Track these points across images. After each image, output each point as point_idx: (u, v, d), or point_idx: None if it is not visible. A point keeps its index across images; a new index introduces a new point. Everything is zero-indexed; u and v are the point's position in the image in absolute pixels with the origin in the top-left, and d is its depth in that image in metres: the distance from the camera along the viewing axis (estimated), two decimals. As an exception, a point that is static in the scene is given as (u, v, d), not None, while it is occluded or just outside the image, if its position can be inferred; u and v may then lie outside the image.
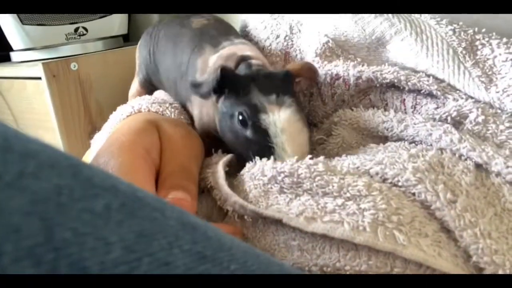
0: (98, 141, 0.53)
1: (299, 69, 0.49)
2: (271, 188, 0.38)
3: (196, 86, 0.48)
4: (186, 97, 0.55)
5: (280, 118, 0.43)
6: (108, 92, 1.05)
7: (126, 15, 1.17)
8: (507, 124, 0.42)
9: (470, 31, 0.45)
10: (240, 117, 0.44)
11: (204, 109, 0.52)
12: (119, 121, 0.51)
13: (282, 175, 0.38)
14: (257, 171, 0.40)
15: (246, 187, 0.39)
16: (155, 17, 1.39)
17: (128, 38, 1.36)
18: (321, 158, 0.39)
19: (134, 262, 0.19)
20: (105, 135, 0.52)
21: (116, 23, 1.14)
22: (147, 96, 0.61)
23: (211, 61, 0.51)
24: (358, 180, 0.36)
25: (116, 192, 0.21)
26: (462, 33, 0.46)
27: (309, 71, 0.50)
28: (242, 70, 0.49)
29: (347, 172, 0.37)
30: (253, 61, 0.50)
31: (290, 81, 0.47)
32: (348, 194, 0.35)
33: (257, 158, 0.42)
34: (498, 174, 0.38)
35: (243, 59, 0.50)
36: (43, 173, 0.19)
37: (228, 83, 0.45)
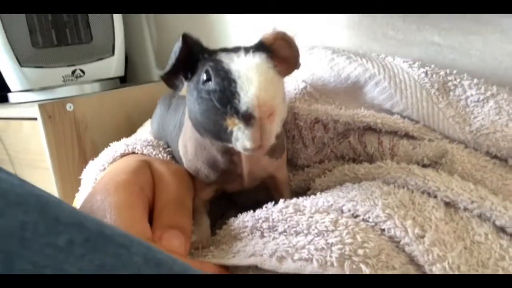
0: (89, 176, 0.54)
1: (272, 40, 0.43)
2: (254, 236, 0.39)
3: (163, 73, 0.42)
4: (177, 148, 0.52)
5: (247, 61, 0.38)
6: (104, 132, 1.07)
7: (123, 57, 1.20)
8: (482, 163, 0.43)
9: (442, 72, 0.47)
10: (205, 76, 0.38)
11: (186, 138, 0.48)
12: (113, 158, 0.52)
13: (260, 221, 0.39)
14: (237, 225, 0.41)
15: (232, 245, 0.40)
16: (152, 59, 1.42)
17: (125, 80, 1.39)
18: (293, 200, 0.40)
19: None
20: (96, 171, 0.53)
21: (113, 65, 1.17)
22: (143, 137, 0.62)
23: None
24: (325, 217, 0.37)
25: (81, 229, 0.22)
26: (434, 75, 0.47)
27: (284, 42, 0.43)
28: None
29: (316, 211, 0.38)
30: None
31: (265, 51, 0.41)
32: (316, 230, 0.36)
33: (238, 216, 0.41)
34: (465, 209, 0.39)
35: None
36: (10, 211, 0.21)
37: (194, 61, 0.41)
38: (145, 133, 0.71)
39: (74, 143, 1.03)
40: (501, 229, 0.38)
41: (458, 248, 0.35)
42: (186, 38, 0.40)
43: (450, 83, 0.47)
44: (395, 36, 0.55)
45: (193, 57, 0.41)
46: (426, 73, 0.48)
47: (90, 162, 0.56)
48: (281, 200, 0.41)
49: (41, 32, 1.09)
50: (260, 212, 0.40)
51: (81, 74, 1.13)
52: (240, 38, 1.16)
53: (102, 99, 1.08)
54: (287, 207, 0.39)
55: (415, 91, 0.47)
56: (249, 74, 0.36)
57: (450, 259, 0.33)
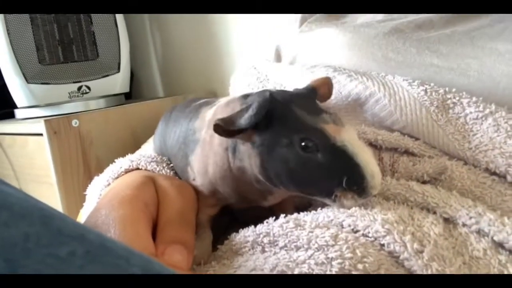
0: (94, 191, 0.55)
1: (319, 85, 0.47)
2: (255, 251, 0.39)
3: (227, 123, 0.40)
4: (185, 164, 0.50)
5: (350, 136, 0.40)
6: (108, 148, 1.08)
7: (129, 74, 1.22)
8: (481, 180, 0.44)
9: (441, 90, 0.48)
10: (303, 143, 0.39)
11: (209, 161, 0.46)
12: (117, 174, 0.52)
13: (261, 236, 0.39)
14: (239, 240, 0.41)
15: (233, 260, 0.40)
16: (157, 76, 1.44)
17: (131, 96, 1.41)
18: (294, 215, 0.41)
19: None
20: (101, 186, 0.53)
21: (118, 81, 1.19)
22: (147, 153, 0.63)
23: (207, 117, 0.47)
24: (325, 232, 0.37)
25: (82, 241, 0.23)
26: (433, 93, 0.48)
27: (327, 86, 0.48)
28: (254, 99, 0.43)
29: (316, 225, 0.38)
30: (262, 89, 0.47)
31: (315, 97, 0.46)
32: (316, 245, 0.36)
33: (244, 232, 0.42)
34: (464, 225, 0.39)
35: (246, 96, 0.46)
36: (14, 222, 0.22)
37: (268, 116, 0.41)
38: (149, 149, 0.72)
39: (79, 158, 1.04)
40: (500, 245, 0.38)
41: (457, 263, 0.35)
42: (268, 104, 0.41)
43: (449, 101, 0.47)
44: (395, 58, 0.56)
45: (269, 113, 0.41)
46: (425, 91, 0.48)
47: (95, 178, 0.57)
48: (282, 215, 0.41)
49: (48, 49, 1.11)
50: (261, 227, 0.40)
51: (87, 90, 1.14)
52: (244, 55, 1.18)
53: (107, 115, 1.09)
54: (287, 222, 0.39)
55: (415, 108, 0.48)
56: (363, 154, 0.39)
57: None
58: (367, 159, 0.39)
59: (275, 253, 0.38)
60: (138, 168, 0.53)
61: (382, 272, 0.34)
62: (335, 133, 0.39)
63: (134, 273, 0.23)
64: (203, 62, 1.31)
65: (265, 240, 0.39)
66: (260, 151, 0.41)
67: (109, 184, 0.51)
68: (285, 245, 0.38)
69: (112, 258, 0.23)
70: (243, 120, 0.40)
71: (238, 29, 1.19)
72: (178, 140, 0.52)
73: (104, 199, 0.44)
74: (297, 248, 0.37)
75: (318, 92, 0.46)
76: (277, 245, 0.38)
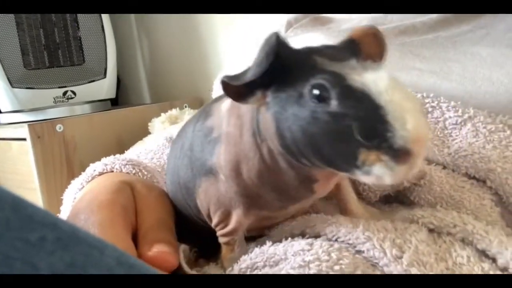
0: (70, 196, 0.54)
1: (360, 36, 0.37)
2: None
3: (231, 78, 0.33)
4: (200, 174, 0.41)
5: (381, 78, 0.31)
6: (93, 154, 1.07)
7: (115, 79, 1.21)
8: (460, 184, 0.44)
9: (419, 95, 0.48)
10: (316, 91, 0.31)
11: (240, 157, 0.37)
12: (91, 176, 0.52)
13: (243, 265, 0.38)
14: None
15: None
16: (144, 82, 1.44)
17: (117, 102, 1.40)
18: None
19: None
20: (75, 190, 0.53)
21: (104, 87, 1.18)
22: (121, 156, 0.62)
23: (224, 108, 0.39)
24: (301, 241, 0.37)
25: (54, 228, 0.23)
26: (411, 98, 0.48)
27: (372, 37, 0.37)
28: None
29: (291, 240, 0.38)
30: None
31: (358, 50, 0.36)
32: (292, 252, 0.36)
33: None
34: (449, 233, 0.39)
35: None
36: None
37: (280, 65, 0.33)
38: (130, 153, 0.71)
39: (63, 164, 1.03)
40: (483, 253, 0.38)
41: (438, 269, 0.35)
42: (277, 43, 0.32)
43: (428, 105, 0.47)
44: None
45: (280, 60, 0.32)
46: None
47: (72, 182, 0.56)
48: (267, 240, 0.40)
49: (34, 54, 1.11)
50: (244, 259, 0.39)
51: (72, 95, 1.13)
52: (231, 61, 1.18)
53: (92, 120, 1.08)
54: (265, 243, 0.39)
55: None
56: (397, 99, 0.29)
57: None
58: (397, 100, 0.30)
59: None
60: (112, 171, 0.52)
61: (359, 273, 0.34)
62: (358, 76, 0.31)
63: (108, 263, 0.23)
64: (190, 68, 1.31)
65: (243, 265, 0.38)
66: (273, 112, 0.34)
67: (82, 187, 0.51)
68: (264, 264, 0.37)
69: (85, 247, 0.23)
70: (249, 72, 0.33)
71: (226, 35, 1.19)
72: (181, 148, 0.43)
73: (81, 203, 0.43)
74: (276, 263, 0.37)
75: (359, 45, 0.36)
76: (257, 267, 0.38)
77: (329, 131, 0.31)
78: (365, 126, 0.29)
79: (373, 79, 0.30)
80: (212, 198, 0.40)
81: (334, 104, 0.30)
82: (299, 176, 0.36)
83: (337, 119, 0.30)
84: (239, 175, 0.37)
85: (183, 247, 0.42)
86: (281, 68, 0.33)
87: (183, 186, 0.43)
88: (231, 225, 0.40)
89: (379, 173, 0.30)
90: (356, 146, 0.30)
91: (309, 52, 0.34)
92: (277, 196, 0.38)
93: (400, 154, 0.29)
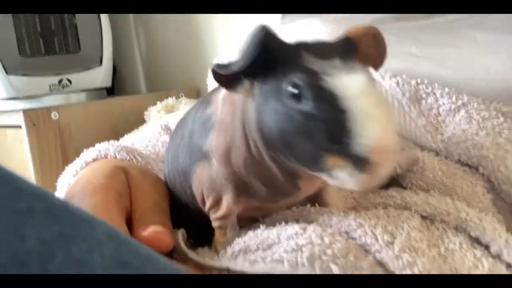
0: (64, 182, 0.54)
1: (359, 35, 0.36)
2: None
3: (220, 67, 0.34)
4: (196, 160, 0.41)
5: (354, 82, 0.30)
6: (88, 142, 1.06)
7: (111, 68, 1.21)
8: (453, 171, 0.44)
9: (413, 82, 0.48)
10: (293, 89, 0.31)
11: (231, 145, 0.37)
12: (84, 163, 0.52)
13: (236, 247, 0.38)
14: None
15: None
16: (140, 71, 1.43)
17: (113, 91, 1.40)
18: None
19: (48, 255, 0.21)
20: (69, 176, 0.52)
21: (100, 75, 1.18)
22: (115, 142, 0.62)
23: (220, 95, 0.40)
24: (294, 225, 0.37)
25: (43, 200, 0.23)
26: (405, 84, 0.48)
27: (372, 38, 0.36)
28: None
29: (285, 223, 0.38)
30: None
31: (353, 50, 0.35)
32: (285, 236, 0.36)
33: None
34: (442, 221, 0.39)
35: None
36: None
37: (266, 57, 0.32)
38: (125, 140, 0.71)
39: (58, 151, 1.03)
40: (476, 240, 0.38)
41: (431, 254, 0.35)
42: (264, 33, 0.32)
43: (421, 91, 0.47)
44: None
45: (265, 52, 0.32)
46: (397, 83, 0.48)
47: (66, 168, 0.56)
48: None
49: (29, 41, 1.10)
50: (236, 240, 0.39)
51: (68, 83, 1.13)
52: (228, 50, 1.18)
53: (87, 108, 1.08)
54: (259, 227, 0.39)
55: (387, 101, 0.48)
56: (364, 105, 0.29)
57: (420, 265, 0.34)
58: (364, 106, 0.29)
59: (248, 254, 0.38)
60: (106, 157, 0.52)
61: (351, 257, 0.34)
62: (336, 76, 0.30)
63: (98, 237, 0.23)
64: (187, 57, 1.30)
65: (236, 248, 0.38)
66: (256, 104, 0.34)
67: (76, 173, 0.50)
68: (257, 247, 0.37)
69: (75, 220, 0.23)
70: (236, 63, 0.33)
71: (222, 24, 1.19)
72: (182, 137, 0.43)
73: (75, 187, 0.43)
74: (269, 246, 0.37)
75: (357, 45, 0.35)
76: (250, 250, 0.38)
77: (299, 130, 0.31)
78: (329, 129, 0.29)
79: (345, 82, 0.30)
80: (205, 182, 0.40)
81: (306, 104, 0.30)
82: (282, 171, 0.36)
83: (306, 119, 0.30)
84: (228, 161, 0.38)
85: (181, 230, 0.42)
86: (268, 60, 0.33)
87: (181, 172, 0.43)
88: (222, 210, 0.40)
89: (342, 179, 0.30)
90: (321, 149, 0.30)
91: (298, 46, 0.34)
92: (264, 188, 0.38)
93: (359, 162, 0.29)
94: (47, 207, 0.22)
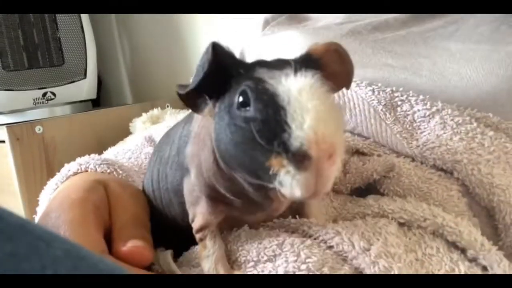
0: (45, 196, 0.54)
1: (320, 51, 0.35)
2: None
3: (180, 87, 0.34)
4: (181, 175, 0.42)
5: (296, 81, 0.30)
6: (73, 155, 1.04)
7: (96, 80, 1.20)
8: (428, 176, 0.44)
9: (388, 90, 0.49)
10: (241, 98, 0.31)
11: (201, 157, 0.38)
12: (65, 177, 0.52)
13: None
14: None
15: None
16: (125, 82, 1.43)
17: (99, 103, 1.39)
18: (245, 227, 0.40)
19: None
20: (50, 190, 0.52)
21: (85, 87, 1.17)
22: (96, 156, 0.62)
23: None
24: (273, 241, 0.37)
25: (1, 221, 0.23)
26: (380, 92, 0.49)
27: (334, 54, 0.35)
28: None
29: (266, 235, 0.38)
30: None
31: (313, 65, 0.33)
32: (265, 257, 0.37)
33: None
34: (419, 227, 0.40)
35: None
36: None
37: (222, 75, 0.33)
38: (108, 153, 0.71)
39: (43, 165, 1.02)
40: (452, 244, 0.39)
41: (408, 259, 0.36)
42: (216, 49, 0.32)
43: (397, 99, 0.48)
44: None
45: (223, 72, 0.33)
46: (373, 91, 0.49)
47: (48, 183, 0.56)
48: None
49: (12, 55, 1.09)
50: None
51: (52, 96, 1.12)
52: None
53: (72, 121, 1.07)
54: (239, 235, 0.40)
55: (363, 109, 0.48)
56: (303, 99, 0.29)
57: (396, 270, 0.34)
58: (302, 100, 0.29)
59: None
60: (87, 171, 0.52)
61: (326, 270, 0.35)
62: (282, 78, 0.30)
63: (55, 255, 0.23)
64: (172, 67, 1.30)
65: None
66: (214, 124, 0.34)
67: (57, 187, 0.50)
68: (236, 260, 0.38)
69: (30, 238, 0.23)
70: (190, 87, 0.33)
71: (207, 34, 1.19)
72: (170, 156, 0.44)
73: (54, 202, 0.44)
74: (246, 261, 0.37)
75: (319, 61, 0.34)
76: (229, 258, 0.38)
77: (245, 139, 0.30)
78: (268, 128, 0.29)
79: (288, 83, 0.30)
80: (187, 195, 0.41)
81: (249, 109, 0.30)
82: (250, 184, 0.35)
83: (249, 124, 0.30)
84: (201, 174, 0.38)
85: (170, 251, 0.42)
86: (225, 78, 0.33)
87: (171, 190, 0.43)
88: (198, 221, 0.40)
89: (284, 182, 0.29)
90: (262, 152, 0.29)
91: (255, 63, 0.34)
92: (238, 199, 0.37)
93: (299, 159, 0.28)
94: (1, 227, 0.22)
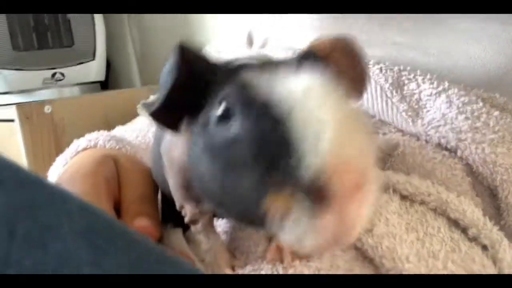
0: (55, 172, 0.55)
1: (328, 50, 0.28)
2: None
3: (146, 106, 0.27)
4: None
5: (296, 83, 0.22)
6: (81, 135, 1.06)
7: (104, 62, 1.21)
8: (432, 155, 0.44)
9: (396, 68, 0.48)
10: (220, 111, 0.23)
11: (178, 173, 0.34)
12: (75, 152, 0.52)
13: None
14: None
15: None
16: (134, 65, 1.43)
17: (107, 85, 1.40)
18: None
19: (16, 220, 0.21)
20: (59, 166, 0.53)
21: (93, 69, 1.18)
22: (105, 132, 0.62)
23: None
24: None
25: (15, 171, 0.23)
26: (388, 70, 0.49)
27: (345, 54, 0.28)
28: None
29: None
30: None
31: (315, 65, 0.25)
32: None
33: None
34: (422, 203, 0.40)
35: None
36: None
37: (195, 84, 0.25)
38: (115, 131, 0.72)
39: (51, 145, 1.03)
40: (454, 223, 0.39)
41: (409, 239, 0.36)
42: (184, 52, 0.25)
43: (404, 77, 0.48)
44: (359, 37, 0.56)
45: (197, 80, 0.25)
46: (380, 69, 0.49)
47: (57, 159, 0.57)
48: None
49: (22, 35, 1.10)
50: None
51: (61, 77, 1.13)
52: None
53: (81, 102, 1.08)
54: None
55: (370, 87, 0.48)
56: (312, 107, 0.20)
57: (399, 250, 0.34)
58: (310, 108, 0.20)
59: None
60: (96, 147, 0.53)
61: (325, 258, 0.35)
62: (272, 83, 0.22)
63: (69, 209, 0.23)
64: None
65: None
66: (188, 145, 0.27)
67: (67, 163, 0.51)
68: (237, 247, 0.37)
69: (48, 192, 0.23)
70: (156, 103, 0.26)
71: (215, 17, 1.19)
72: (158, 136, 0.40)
73: (64, 175, 0.44)
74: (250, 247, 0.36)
75: (324, 61, 0.27)
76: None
77: (226, 169, 0.22)
78: (262, 151, 0.20)
79: (284, 86, 0.21)
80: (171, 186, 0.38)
81: (233, 125, 0.22)
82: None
83: (235, 146, 0.21)
84: (180, 171, 0.33)
85: (179, 229, 0.42)
86: (201, 89, 0.26)
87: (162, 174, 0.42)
88: (187, 215, 0.37)
89: (292, 229, 0.20)
90: (254, 188, 0.21)
91: (238, 66, 0.26)
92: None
93: (311, 196, 0.19)
94: (22, 178, 0.23)
